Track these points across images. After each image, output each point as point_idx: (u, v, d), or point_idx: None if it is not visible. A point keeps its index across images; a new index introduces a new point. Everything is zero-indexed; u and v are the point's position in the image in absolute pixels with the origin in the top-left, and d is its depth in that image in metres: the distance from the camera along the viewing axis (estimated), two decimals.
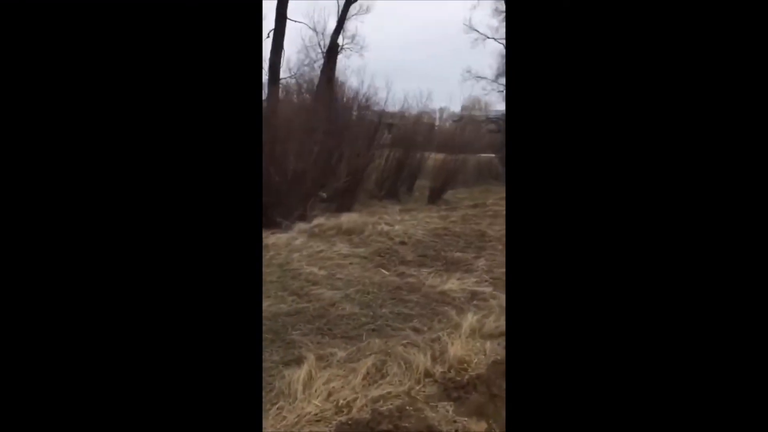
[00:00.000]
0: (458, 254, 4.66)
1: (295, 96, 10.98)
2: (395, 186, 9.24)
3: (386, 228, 5.29)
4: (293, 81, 12.32)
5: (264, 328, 2.83)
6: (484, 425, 2.00)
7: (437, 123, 16.26)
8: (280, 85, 11.91)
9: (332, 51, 13.00)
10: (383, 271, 4.18)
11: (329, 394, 2.15)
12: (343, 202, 7.57)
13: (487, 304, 3.31)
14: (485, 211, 7.18)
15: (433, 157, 10.21)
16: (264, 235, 5.16)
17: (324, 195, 7.75)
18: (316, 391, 2.17)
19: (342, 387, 2.21)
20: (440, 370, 2.41)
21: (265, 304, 3.23)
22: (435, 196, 8.91)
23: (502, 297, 3.32)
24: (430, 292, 3.59)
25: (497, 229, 5.69)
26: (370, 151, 8.65)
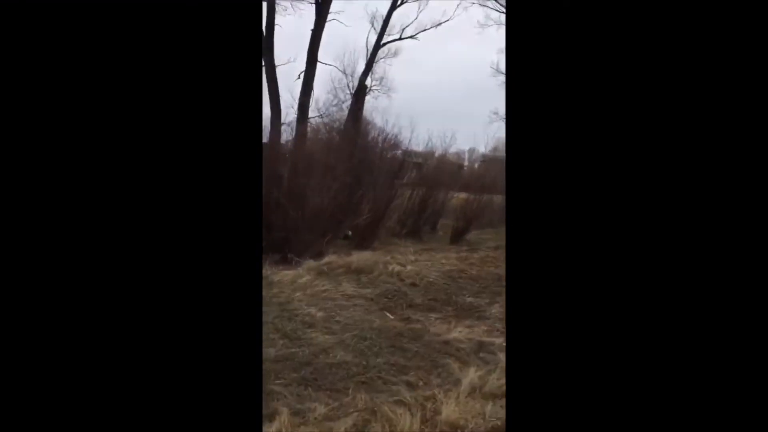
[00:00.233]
0: (471, 299, 4.31)
1: (320, 134, 11.09)
2: (418, 225, 9.01)
3: (398, 268, 5.01)
4: (320, 120, 12.51)
5: None
6: None
7: (466, 163, 16.13)
8: (309, 125, 12.09)
9: (360, 92, 13.19)
10: (388, 314, 3.89)
11: None
12: (362, 240, 7.38)
13: (494, 357, 2.95)
14: None
15: (458, 197, 9.95)
16: (272, 272, 4.99)
17: (350, 233, 7.59)
18: None
19: None
20: None
21: None
22: (457, 236, 8.60)
23: None
24: (434, 341, 3.26)
25: None
26: (393, 189, 8.52)
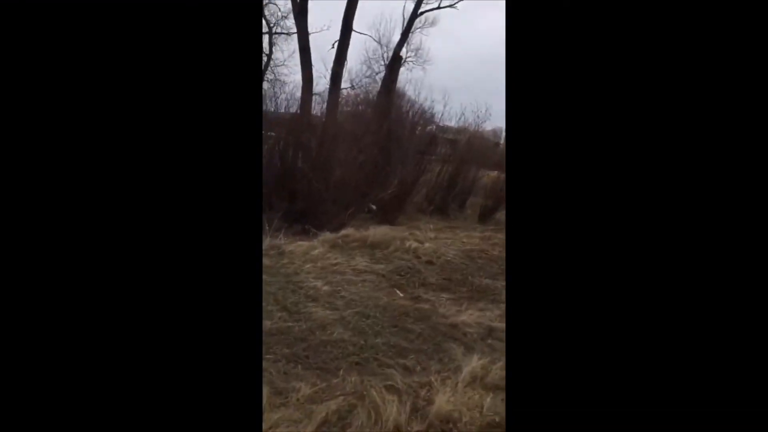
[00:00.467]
0: (488, 281, 4.04)
1: (351, 106, 10.83)
2: (446, 201, 8.70)
3: (415, 245, 4.78)
4: (352, 91, 12.23)
5: None
6: None
7: (502, 141, 15.52)
8: (341, 95, 11.85)
9: (394, 63, 12.78)
10: (397, 292, 3.69)
11: None
12: (386, 214, 7.17)
13: (501, 345, 2.71)
14: None
15: (489, 175, 9.54)
16: (286, 242, 4.88)
17: (374, 207, 7.39)
18: None
19: None
20: (416, 429, 1.90)
21: None
22: (486, 216, 8.25)
23: None
24: (440, 323, 3.05)
25: None
26: (422, 164, 8.23)
